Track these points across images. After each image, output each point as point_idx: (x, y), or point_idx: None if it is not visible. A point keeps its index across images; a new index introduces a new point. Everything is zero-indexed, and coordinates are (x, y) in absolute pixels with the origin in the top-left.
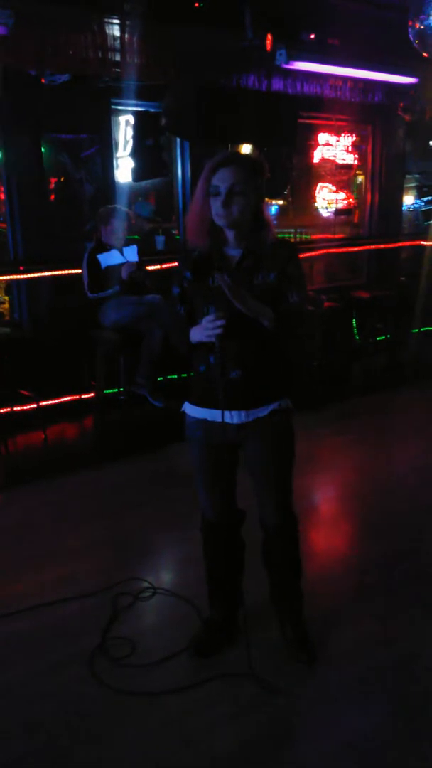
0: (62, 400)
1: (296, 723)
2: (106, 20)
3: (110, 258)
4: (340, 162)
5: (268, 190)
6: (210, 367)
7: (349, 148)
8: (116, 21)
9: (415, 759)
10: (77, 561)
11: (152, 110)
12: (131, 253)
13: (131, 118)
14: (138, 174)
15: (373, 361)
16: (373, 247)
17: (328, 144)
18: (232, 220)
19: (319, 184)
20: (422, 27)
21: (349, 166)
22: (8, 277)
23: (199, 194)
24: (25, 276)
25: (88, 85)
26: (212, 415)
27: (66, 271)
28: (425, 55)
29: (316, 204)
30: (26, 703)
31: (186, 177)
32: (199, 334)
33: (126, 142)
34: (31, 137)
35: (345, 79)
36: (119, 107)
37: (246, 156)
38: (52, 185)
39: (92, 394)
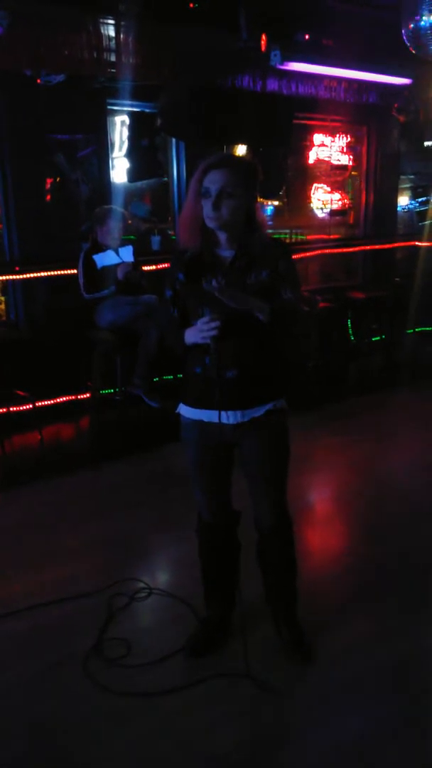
0: (58, 400)
1: (293, 723)
2: (101, 20)
3: (106, 258)
4: (335, 163)
5: (263, 191)
6: (206, 368)
7: (344, 149)
8: (111, 21)
9: (413, 759)
10: (74, 561)
11: (148, 111)
12: (127, 254)
13: (127, 119)
14: (134, 174)
15: (368, 361)
16: (368, 247)
17: (323, 145)
18: (222, 222)
19: (315, 185)
20: (416, 28)
21: (344, 167)
22: (4, 278)
23: (190, 195)
24: (21, 276)
25: (84, 85)
26: (208, 416)
27: (62, 272)
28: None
29: (312, 205)
30: (23, 704)
31: (181, 177)
32: (193, 335)
33: (122, 142)
34: (26, 137)
35: (340, 79)
36: (115, 108)
37: (238, 158)
38: (48, 186)
39: (88, 395)
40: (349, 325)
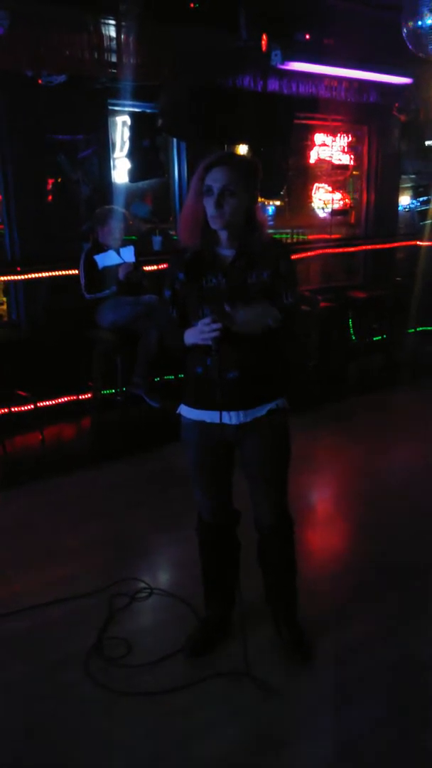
0: (60, 400)
1: (293, 723)
2: (102, 21)
3: (107, 259)
4: (336, 162)
5: (264, 190)
6: (207, 368)
7: (345, 149)
8: (112, 22)
9: (414, 759)
10: (74, 561)
11: (149, 111)
12: (128, 254)
13: (128, 119)
14: (135, 175)
15: (369, 361)
16: (369, 247)
17: (324, 144)
18: (224, 220)
19: (316, 185)
20: (416, 28)
21: (345, 167)
22: (6, 278)
23: (192, 194)
24: (22, 277)
25: (85, 85)
26: (210, 416)
27: (63, 272)
28: (418, 54)
29: (313, 204)
30: (23, 704)
31: (183, 177)
32: (194, 336)
33: (123, 142)
34: (27, 138)
35: (340, 79)
36: (116, 108)
37: (239, 157)
38: (49, 186)
39: (89, 395)
40: (350, 325)
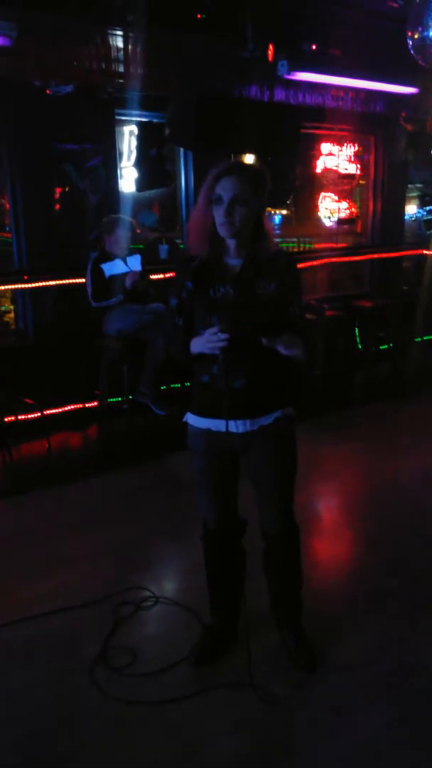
0: (66, 408)
1: (299, 733)
2: (109, 31)
3: (114, 267)
4: (343, 171)
5: (271, 199)
6: (213, 377)
7: (352, 158)
8: (119, 32)
9: (423, 766)
10: (80, 569)
11: (156, 120)
12: (135, 263)
13: (135, 129)
14: (142, 184)
15: (375, 369)
16: (375, 256)
17: (330, 154)
18: (234, 229)
19: (322, 194)
20: (421, 38)
21: (351, 176)
22: (13, 287)
23: (201, 202)
24: (29, 285)
25: (92, 95)
26: (216, 425)
27: (70, 281)
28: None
29: (319, 213)
30: (28, 712)
31: (189, 187)
32: (200, 346)
33: (130, 152)
34: (35, 147)
35: (347, 89)
36: (123, 117)
37: (249, 166)
38: (57, 195)
39: (95, 403)
40: (356, 334)
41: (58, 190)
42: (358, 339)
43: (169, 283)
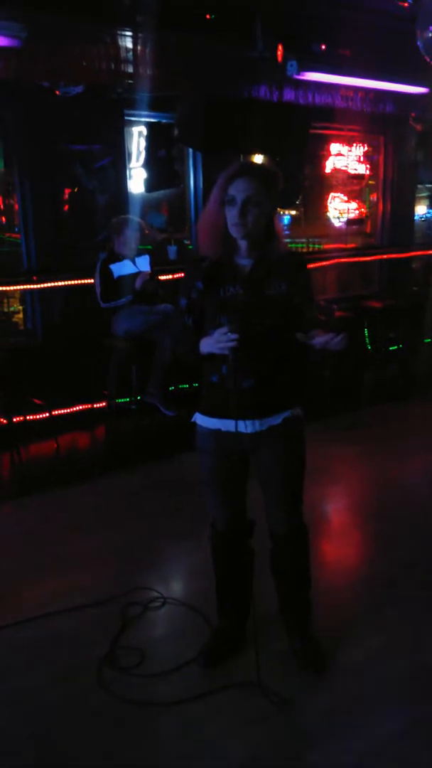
0: (74, 409)
1: (306, 735)
2: (118, 32)
3: (123, 268)
4: (352, 172)
5: (280, 200)
6: (222, 377)
7: (361, 158)
8: (128, 33)
9: None
10: (88, 569)
11: (165, 121)
12: (143, 263)
13: (144, 129)
14: (150, 184)
15: (385, 370)
16: (385, 256)
17: (339, 154)
18: (247, 229)
19: (331, 194)
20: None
21: (360, 176)
22: (22, 287)
23: (212, 203)
24: (38, 286)
25: (102, 96)
26: (225, 425)
27: (79, 281)
28: None
29: (328, 214)
30: (35, 712)
31: (198, 187)
32: (210, 346)
33: (139, 152)
34: (44, 148)
35: (356, 89)
36: (132, 118)
37: (261, 166)
38: (66, 196)
39: (104, 403)
40: (366, 335)
41: (66, 191)
42: (367, 340)
43: (177, 284)
